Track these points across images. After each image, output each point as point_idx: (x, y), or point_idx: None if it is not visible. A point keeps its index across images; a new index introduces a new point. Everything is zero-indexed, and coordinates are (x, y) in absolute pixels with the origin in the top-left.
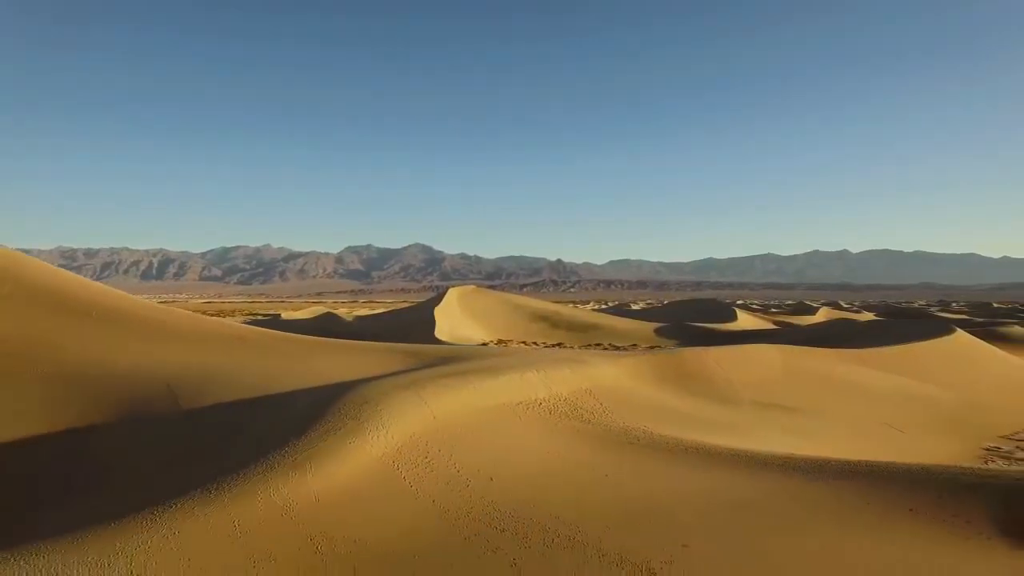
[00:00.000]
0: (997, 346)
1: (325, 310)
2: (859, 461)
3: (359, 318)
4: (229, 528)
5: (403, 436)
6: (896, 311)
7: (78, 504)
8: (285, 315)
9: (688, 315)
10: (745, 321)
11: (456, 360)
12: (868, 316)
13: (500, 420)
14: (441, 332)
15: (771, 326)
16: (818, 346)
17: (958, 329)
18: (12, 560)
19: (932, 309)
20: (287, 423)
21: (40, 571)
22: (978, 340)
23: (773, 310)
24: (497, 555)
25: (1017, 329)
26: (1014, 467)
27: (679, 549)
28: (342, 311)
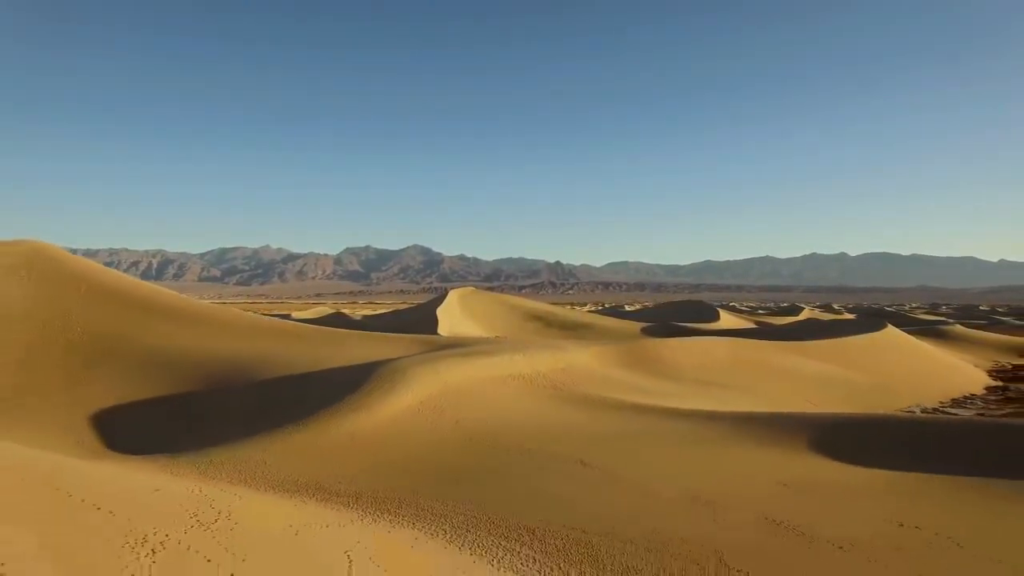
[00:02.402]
0: (936, 342)
1: (333, 310)
2: (743, 412)
3: (367, 317)
4: (315, 445)
5: (423, 394)
6: (874, 312)
7: (200, 436)
8: (295, 315)
9: (675, 316)
10: (727, 321)
11: (460, 346)
12: (848, 317)
13: (493, 386)
14: (443, 329)
15: (751, 325)
16: (784, 341)
17: (889, 325)
18: (190, 456)
19: (919, 311)
20: (341, 387)
21: (211, 463)
22: (906, 335)
23: (761, 312)
24: (487, 458)
25: (958, 328)
26: (834, 413)
27: (604, 454)
28: (346, 311)
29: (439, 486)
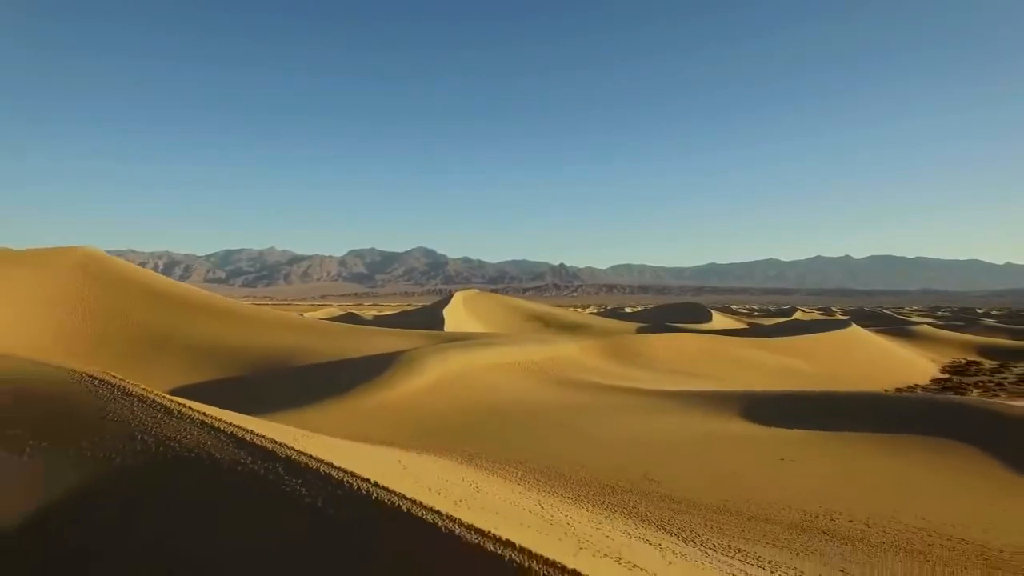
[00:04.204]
0: (903, 340)
1: (343, 311)
2: (693, 390)
3: (377, 317)
4: (351, 412)
5: (435, 376)
6: (866, 314)
7: (256, 407)
8: (308, 316)
9: (670, 317)
10: (719, 322)
11: (464, 339)
12: (841, 318)
13: (492, 371)
14: (449, 328)
15: (741, 325)
16: (757, 338)
17: (854, 325)
18: (267, 415)
19: (914, 314)
20: (368, 370)
21: (283, 421)
22: (869, 334)
23: (757, 314)
24: (486, 421)
25: (925, 328)
26: (764, 390)
27: (577, 419)
28: (355, 312)
29: (449, 437)
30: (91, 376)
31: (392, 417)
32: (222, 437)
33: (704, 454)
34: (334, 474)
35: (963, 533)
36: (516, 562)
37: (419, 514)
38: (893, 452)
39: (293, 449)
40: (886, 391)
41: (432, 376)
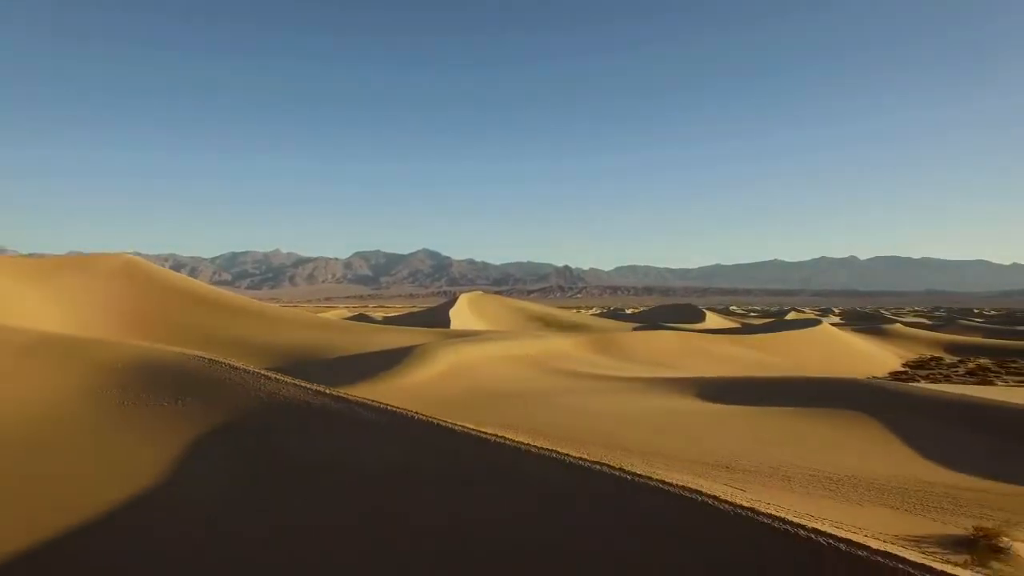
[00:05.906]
0: (875, 337)
1: (354, 312)
2: (661, 376)
3: (387, 318)
4: (377, 393)
5: (444, 366)
6: (857, 315)
7: None
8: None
9: (665, 317)
10: (713, 322)
11: (469, 335)
12: (835, 319)
13: (493, 362)
14: (455, 327)
15: (735, 325)
16: (744, 336)
17: (824, 323)
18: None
19: (910, 315)
20: (386, 361)
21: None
22: (837, 331)
23: (753, 314)
24: (486, 401)
25: (899, 327)
26: (719, 376)
27: (561, 397)
28: (366, 314)
29: (455, 413)
30: (201, 356)
31: (408, 398)
32: (310, 391)
33: (657, 421)
34: (390, 407)
35: (829, 469)
36: (505, 442)
37: (445, 425)
38: (805, 419)
39: (360, 397)
40: None
41: (442, 366)
